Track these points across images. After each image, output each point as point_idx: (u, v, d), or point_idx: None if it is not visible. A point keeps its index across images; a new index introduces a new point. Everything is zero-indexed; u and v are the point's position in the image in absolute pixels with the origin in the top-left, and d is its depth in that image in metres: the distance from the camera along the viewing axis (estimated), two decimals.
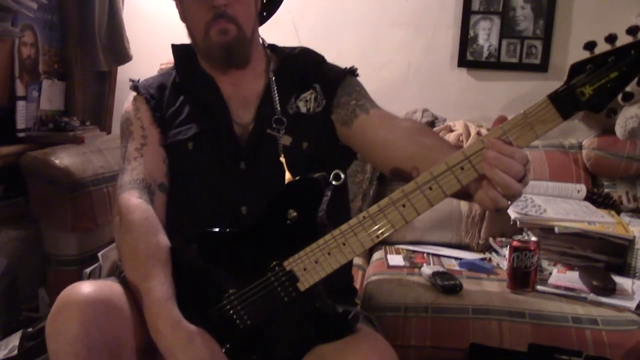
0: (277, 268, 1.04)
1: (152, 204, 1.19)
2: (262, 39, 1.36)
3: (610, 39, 0.90)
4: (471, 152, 0.92)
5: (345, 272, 1.35)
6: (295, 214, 1.08)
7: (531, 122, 0.91)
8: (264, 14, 1.39)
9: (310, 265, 1.02)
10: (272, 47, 1.38)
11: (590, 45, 0.91)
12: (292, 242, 1.04)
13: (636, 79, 0.89)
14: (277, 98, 1.27)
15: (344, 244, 1.00)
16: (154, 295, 1.02)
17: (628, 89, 0.91)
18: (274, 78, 1.30)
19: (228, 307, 1.06)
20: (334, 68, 1.35)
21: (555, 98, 0.90)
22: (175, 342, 0.99)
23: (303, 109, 1.28)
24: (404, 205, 0.96)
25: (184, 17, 1.30)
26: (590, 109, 0.91)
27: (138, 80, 1.35)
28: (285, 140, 1.22)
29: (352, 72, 1.35)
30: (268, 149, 1.22)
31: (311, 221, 1.04)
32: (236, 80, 1.30)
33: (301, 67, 1.33)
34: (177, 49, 1.36)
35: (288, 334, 1.05)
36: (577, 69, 0.90)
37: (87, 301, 0.99)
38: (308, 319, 1.04)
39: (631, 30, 0.88)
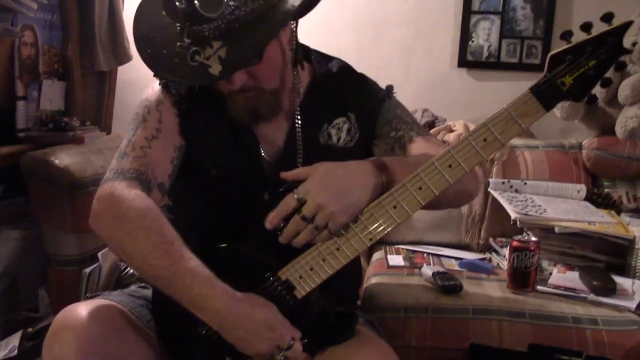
0: (271, 278, 1.03)
1: None
2: (294, 45, 1.19)
3: (586, 27, 0.92)
4: (457, 150, 0.93)
5: (354, 276, 1.33)
6: (282, 224, 1.07)
7: (515, 116, 0.92)
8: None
9: (305, 273, 1.01)
10: (306, 52, 1.25)
11: (566, 35, 0.93)
12: (283, 252, 1.02)
13: (614, 65, 0.92)
14: (300, 137, 1.18)
15: (337, 249, 0.99)
16: (201, 275, 0.96)
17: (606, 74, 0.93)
18: (298, 110, 1.19)
19: None
20: (371, 93, 1.25)
21: (537, 90, 0.91)
22: (239, 312, 0.95)
23: (334, 138, 1.20)
24: (395, 207, 0.96)
25: None
26: (571, 99, 0.92)
27: None
28: None
29: (389, 94, 1.26)
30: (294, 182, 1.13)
31: None
32: None
33: (339, 89, 1.23)
34: None
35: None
36: (556, 59, 0.91)
37: (83, 326, 0.97)
38: (307, 326, 1.02)
39: (585, 27, 0.92)
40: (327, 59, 1.28)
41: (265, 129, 1.19)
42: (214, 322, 0.97)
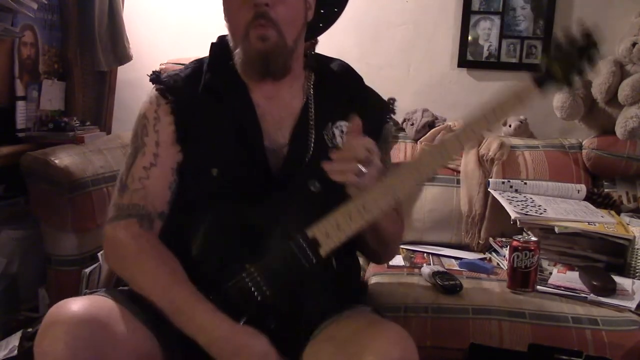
0: (298, 236, 1.06)
1: (151, 231, 1.16)
2: (309, 51, 1.29)
3: None
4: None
5: (359, 278, 1.38)
6: (318, 184, 1.11)
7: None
8: (320, 24, 1.32)
9: (332, 230, 1.05)
10: (315, 57, 1.30)
11: None
12: (314, 211, 1.07)
13: None
14: (313, 134, 1.22)
15: (363, 208, 1.04)
16: (201, 305, 1.05)
17: None
18: (312, 104, 1.23)
19: (247, 280, 1.07)
20: (376, 105, 1.29)
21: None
22: (238, 341, 1.02)
23: (338, 140, 1.21)
24: (417, 170, 1.08)
25: (225, 14, 1.19)
26: None
27: (160, 73, 1.22)
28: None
29: (392, 111, 1.33)
30: (302, 178, 1.15)
31: (333, 191, 1.06)
32: (271, 93, 1.22)
33: (342, 89, 1.26)
34: (214, 46, 1.26)
35: (309, 299, 1.10)
36: None
37: (73, 321, 0.97)
38: (328, 283, 1.10)
39: None
40: (329, 59, 1.31)
41: (268, 128, 1.20)
42: (213, 349, 1.02)
